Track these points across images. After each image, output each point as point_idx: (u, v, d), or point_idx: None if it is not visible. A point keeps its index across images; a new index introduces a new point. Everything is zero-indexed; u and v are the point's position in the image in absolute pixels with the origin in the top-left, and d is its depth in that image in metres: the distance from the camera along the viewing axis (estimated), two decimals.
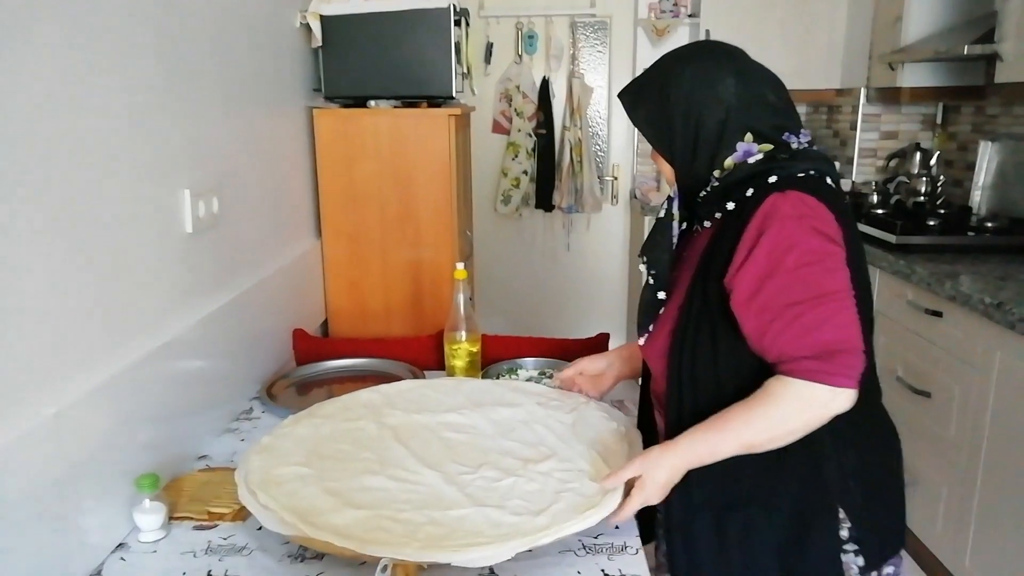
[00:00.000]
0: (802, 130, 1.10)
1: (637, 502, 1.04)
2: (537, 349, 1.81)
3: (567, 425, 1.29)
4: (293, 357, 1.93)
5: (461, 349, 1.68)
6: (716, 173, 1.08)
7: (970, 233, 2.61)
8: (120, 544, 1.10)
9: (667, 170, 1.15)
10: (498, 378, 1.69)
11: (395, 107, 2.21)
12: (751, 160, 1.05)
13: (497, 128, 3.84)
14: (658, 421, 1.26)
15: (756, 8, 3.38)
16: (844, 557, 1.08)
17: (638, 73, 1.19)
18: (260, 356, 1.75)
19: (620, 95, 1.16)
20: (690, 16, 3.53)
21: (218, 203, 1.51)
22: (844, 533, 1.07)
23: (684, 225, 1.19)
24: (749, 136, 1.05)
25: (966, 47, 2.39)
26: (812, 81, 3.45)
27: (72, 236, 1.04)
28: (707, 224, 1.13)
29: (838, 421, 1.02)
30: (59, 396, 0.99)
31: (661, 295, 1.15)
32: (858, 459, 1.09)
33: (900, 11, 2.88)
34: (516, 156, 3.79)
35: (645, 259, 1.18)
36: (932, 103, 3.21)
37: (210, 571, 1.04)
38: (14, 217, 0.92)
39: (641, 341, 1.20)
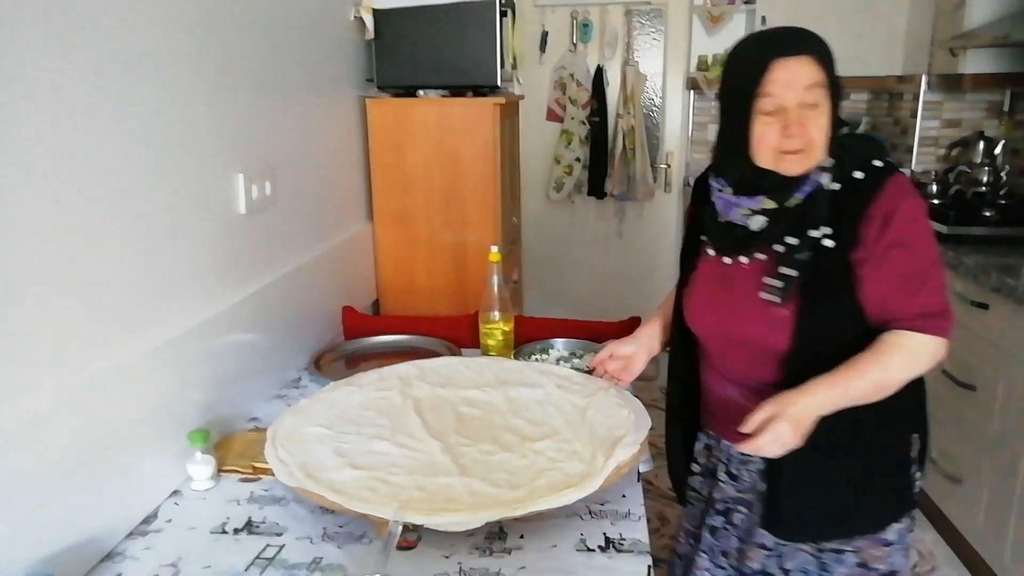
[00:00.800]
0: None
1: (776, 448, 1.10)
2: (569, 331, 1.88)
3: (579, 408, 1.36)
4: (342, 332, 2.05)
5: (495, 329, 1.76)
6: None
7: None
8: (175, 491, 1.23)
9: (823, 141, 1.14)
10: (529, 358, 1.77)
11: (443, 96, 2.30)
12: (844, 132, 1.18)
13: (551, 116, 3.89)
14: (725, 391, 1.32)
15: None
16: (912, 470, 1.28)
17: (782, 28, 1.21)
18: (310, 330, 1.87)
19: (814, 50, 1.15)
20: (746, 3, 3.50)
21: (271, 186, 1.63)
22: (914, 452, 1.27)
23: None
24: None
25: None
26: (872, 68, 3.37)
27: (135, 212, 1.17)
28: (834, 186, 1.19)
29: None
30: (123, 354, 1.12)
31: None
32: (922, 384, 1.25)
33: None
34: (569, 143, 3.84)
35: (825, 225, 1.17)
36: (998, 90, 3.11)
37: (250, 517, 1.16)
38: (87, 194, 1.05)
39: (776, 299, 1.19)
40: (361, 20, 2.21)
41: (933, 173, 3.15)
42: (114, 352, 1.11)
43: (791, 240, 1.18)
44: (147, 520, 1.15)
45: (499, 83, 2.25)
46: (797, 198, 1.17)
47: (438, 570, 1.02)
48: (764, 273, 1.20)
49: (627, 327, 1.90)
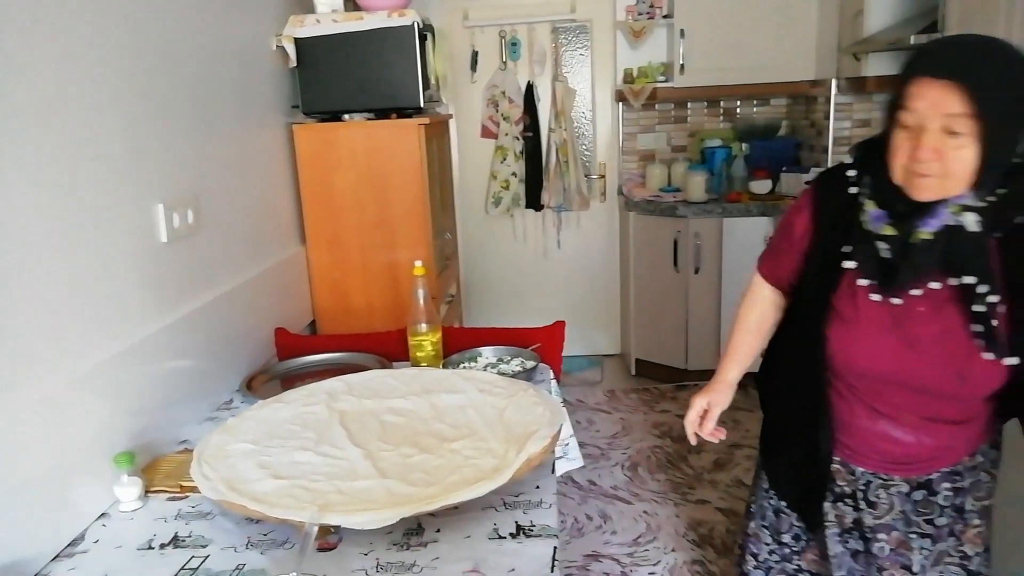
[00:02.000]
0: None
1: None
2: (496, 338, 1.95)
3: (498, 409, 1.43)
4: (276, 354, 2.09)
5: (424, 340, 1.83)
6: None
7: None
8: (103, 514, 1.27)
9: (967, 174, 1.04)
10: (458, 366, 1.84)
11: (368, 119, 2.37)
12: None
13: (486, 133, 3.99)
14: (876, 425, 1.27)
15: (728, 7, 3.48)
16: None
17: (953, 49, 1.07)
18: (243, 353, 1.91)
19: (974, 82, 1.00)
20: (665, 17, 3.64)
21: (193, 215, 1.67)
22: None
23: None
24: None
25: (912, 37, 2.48)
26: (788, 74, 3.55)
27: (56, 243, 1.21)
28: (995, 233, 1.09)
29: None
30: (48, 383, 1.16)
31: (998, 304, 1.10)
32: None
33: (861, 4, 2.97)
34: (504, 159, 3.93)
35: (968, 273, 1.09)
36: None
37: (176, 532, 1.20)
38: (5, 224, 1.09)
39: (1013, 361, 1.11)
40: (283, 49, 2.27)
41: None
42: (39, 380, 1.15)
43: (968, 280, 1.10)
44: (74, 542, 1.18)
45: (422, 104, 2.33)
46: (924, 232, 1.08)
47: (357, 567, 1.08)
48: (950, 314, 1.12)
49: (553, 332, 1.98)
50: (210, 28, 1.82)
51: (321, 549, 1.13)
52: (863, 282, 1.17)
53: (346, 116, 2.36)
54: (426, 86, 2.35)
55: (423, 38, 2.33)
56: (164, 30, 1.59)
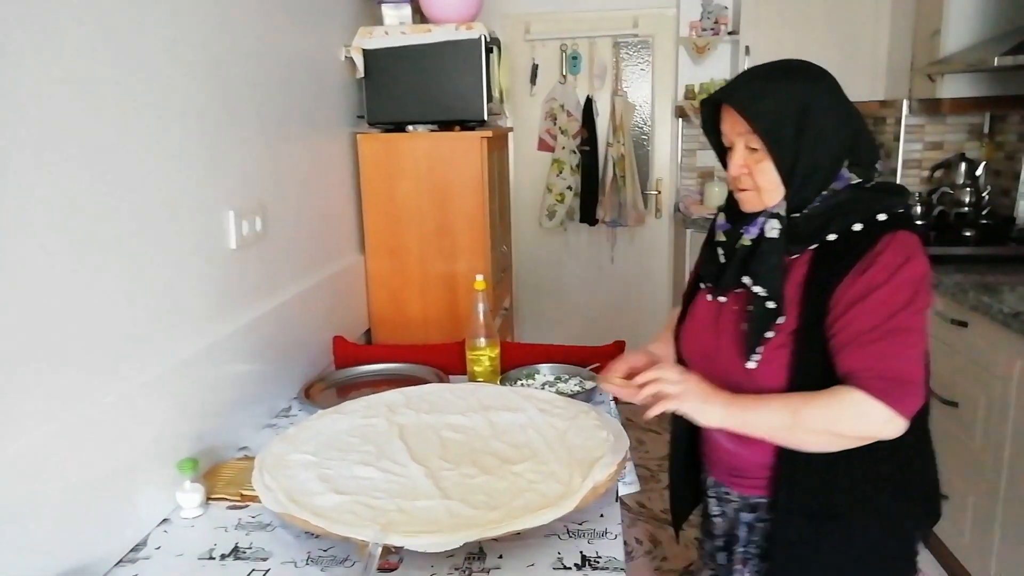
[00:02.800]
0: (879, 161, 1.19)
1: (670, 404, 1.11)
2: (555, 356, 1.92)
3: (559, 431, 1.39)
4: (332, 362, 2.10)
5: (482, 355, 1.80)
6: (818, 197, 1.14)
7: (1011, 243, 2.58)
8: (164, 519, 1.27)
9: (772, 185, 1.13)
10: (516, 383, 1.81)
11: (431, 131, 2.37)
12: (839, 187, 1.13)
13: (542, 146, 3.97)
14: (716, 437, 1.28)
15: (795, 24, 3.41)
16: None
17: (736, 77, 1.18)
18: (301, 360, 1.92)
19: (735, 101, 1.12)
20: (730, 33, 3.59)
21: (261, 222, 1.68)
22: (916, 518, 1.22)
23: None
24: (846, 161, 1.14)
25: (996, 58, 2.38)
26: (855, 93, 3.35)
27: (128, 249, 1.22)
28: (799, 250, 1.14)
29: (922, 421, 1.17)
30: (116, 388, 1.17)
31: (781, 319, 1.13)
32: (930, 447, 1.23)
33: (939, 24, 2.87)
34: (561, 172, 3.91)
35: (753, 281, 1.14)
36: (976, 113, 3.18)
37: (237, 543, 1.19)
38: (81, 231, 1.10)
39: (752, 365, 1.15)
40: (351, 60, 2.29)
41: (917, 195, 3.20)
42: (107, 385, 1.16)
43: (749, 283, 1.15)
44: (136, 548, 1.19)
45: (485, 117, 2.32)
46: (745, 239, 1.17)
47: None
48: (741, 316, 1.18)
49: (612, 352, 1.94)
50: (282, 37, 1.84)
51: (381, 570, 1.11)
52: (702, 284, 1.29)
53: (410, 127, 2.37)
54: (490, 99, 2.34)
55: (488, 51, 2.32)
56: (238, 38, 1.61)
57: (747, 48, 3.46)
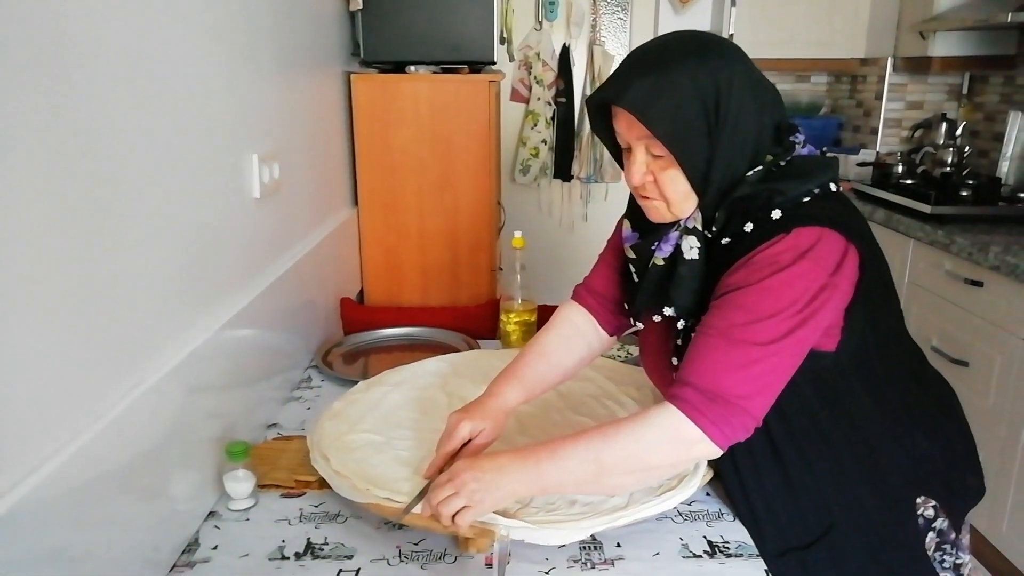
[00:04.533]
0: (798, 133, 0.99)
1: (469, 516, 0.91)
2: None
3: (637, 400, 1.29)
4: (340, 326, 1.91)
5: (517, 317, 1.67)
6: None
7: (1001, 203, 2.62)
8: (211, 512, 1.09)
9: (682, 196, 0.95)
10: None
11: (434, 72, 2.17)
12: (749, 174, 0.93)
13: (516, 96, 3.78)
14: None
15: None
16: (928, 536, 1.07)
17: (622, 66, 0.95)
18: (311, 325, 1.73)
19: (627, 102, 0.90)
20: None
21: (280, 169, 1.48)
22: (930, 512, 1.06)
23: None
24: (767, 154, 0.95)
25: (1010, 15, 2.37)
26: (836, 51, 3.41)
27: (157, 210, 1.01)
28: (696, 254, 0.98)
29: (896, 413, 1.02)
30: (146, 373, 0.96)
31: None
32: (928, 438, 1.05)
33: None
34: (535, 125, 3.74)
35: (676, 312, 0.99)
36: (959, 73, 3.20)
37: (309, 538, 1.03)
38: (104, 196, 0.89)
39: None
40: None
41: (899, 154, 3.21)
42: (136, 370, 0.94)
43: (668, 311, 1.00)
44: (189, 549, 1.01)
45: (495, 59, 2.14)
46: (658, 258, 0.99)
47: None
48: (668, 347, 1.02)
49: None
50: None
51: (488, 564, 0.97)
52: (626, 305, 1.11)
53: (411, 68, 2.16)
54: (500, 40, 2.15)
55: None
56: None
57: (733, 0, 3.36)
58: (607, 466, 0.90)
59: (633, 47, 3.67)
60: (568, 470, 0.90)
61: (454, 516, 0.90)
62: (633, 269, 1.07)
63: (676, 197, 0.95)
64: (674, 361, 1.01)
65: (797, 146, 0.96)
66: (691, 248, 0.96)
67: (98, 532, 0.82)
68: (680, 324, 0.99)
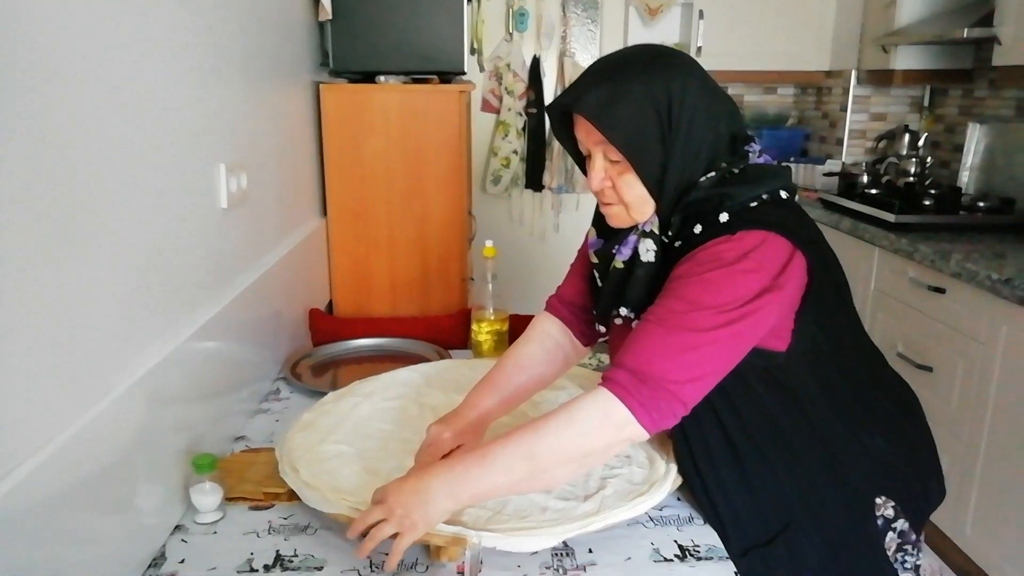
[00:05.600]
0: (754, 141, 1.03)
1: (404, 542, 0.90)
2: None
3: None
4: (309, 338, 1.90)
5: (489, 327, 1.67)
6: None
7: (962, 212, 2.68)
8: (178, 526, 1.07)
9: (639, 200, 0.98)
10: None
11: (404, 83, 2.17)
12: (702, 179, 0.96)
13: (487, 107, 3.80)
14: None
15: None
16: (888, 536, 1.08)
17: (582, 75, 0.98)
18: (279, 336, 1.71)
19: (583, 108, 0.93)
20: None
21: (247, 178, 1.46)
22: (890, 512, 1.07)
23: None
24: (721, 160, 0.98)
25: (966, 30, 2.43)
26: (802, 63, 3.49)
27: (120, 213, 1.00)
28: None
29: (853, 412, 1.03)
30: (110, 384, 0.94)
31: None
32: (886, 439, 1.08)
33: None
34: (506, 135, 3.76)
35: (631, 312, 1.03)
36: (920, 86, 3.28)
37: (278, 550, 1.02)
38: (59, 203, 0.88)
39: None
40: None
41: (863, 164, 3.28)
42: (110, 377, 0.94)
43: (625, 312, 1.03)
44: (155, 563, 0.99)
45: (466, 69, 2.15)
46: (618, 261, 1.02)
47: None
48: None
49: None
50: None
51: (460, 573, 0.97)
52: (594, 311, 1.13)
53: (381, 78, 2.15)
54: (471, 50, 2.16)
55: None
56: None
57: (700, 12, 3.41)
58: (541, 459, 0.90)
59: None
60: (501, 471, 0.90)
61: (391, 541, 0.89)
62: (596, 274, 1.09)
63: (634, 201, 0.98)
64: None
65: (752, 155, 1.00)
66: (647, 251, 0.99)
67: (61, 548, 0.80)
68: (634, 325, 1.00)
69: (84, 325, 0.88)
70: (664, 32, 3.67)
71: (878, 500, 1.06)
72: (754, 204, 0.95)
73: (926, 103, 3.29)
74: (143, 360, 1.02)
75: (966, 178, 2.94)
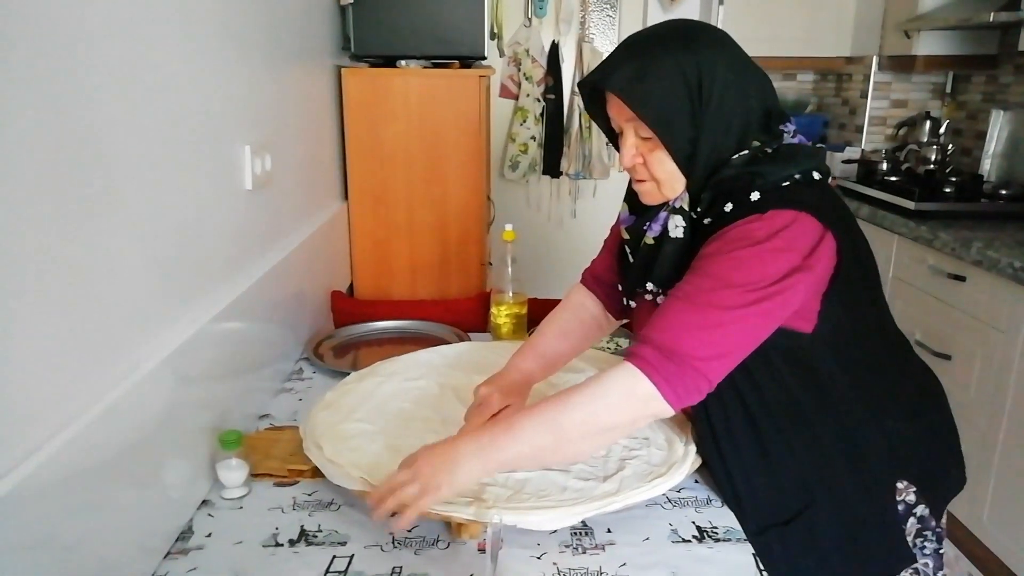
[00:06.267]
0: (789, 121, 1.02)
1: (425, 502, 0.90)
2: None
3: None
4: (331, 319, 1.92)
5: (508, 310, 1.68)
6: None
7: (983, 200, 2.66)
8: (204, 501, 1.10)
9: (670, 176, 0.99)
10: None
11: (424, 67, 2.18)
12: (735, 157, 0.96)
13: (505, 92, 3.79)
14: None
15: None
16: (909, 520, 1.09)
17: (613, 52, 0.99)
18: (302, 317, 1.73)
19: (614, 85, 0.95)
20: None
21: (271, 160, 1.48)
22: (911, 497, 1.08)
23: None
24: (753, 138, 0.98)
25: (992, 15, 2.40)
26: (821, 49, 3.45)
27: (147, 193, 1.01)
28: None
29: (876, 397, 1.04)
30: (139, 361, 0.96)
31: None
32: (909, 424, 1.08)
33: None
34: (524, 121, 3.75)
35: (656, 287, 1.05)
36: (943, 72, 3.24)
37: (303, 525, 1.04)
38: (92, 180, 0.89)
39: None
40: None
41: (883, 151, 3.25)
42: (127, 357, 0.95)
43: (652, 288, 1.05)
44: (183, 536, 1.01)
45: (486, 54, 2.15)
46: (648, 238, 1.04)
47: (535, 572, 0.94)
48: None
49: None
50: None
51: (480, 550, 0.99)
52: (619, 287, 1.16)
53: (401, 62, 2.16)
54: (491, 35, 2.16)
55: None
56: None
57: None
58: (565, 431, 0.91)
59: None
60: (525, 440, 0.92)
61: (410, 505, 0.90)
62: (628, 250, 1.11)
63: (664, 178, 0.99)
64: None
65: (787, 135, 0.99)
66: (676, 227, 1.00)
67: (91, 519, 0.83)
68: (660, 300, 1.01)
69: (112, 304, 0.90)
70: (683, 16, 3.64)
71: (899, 485, 1.07)
72: (786, 184, 0.95)
73: (948, 89, 3.25)
74: (171, 338, 1.04)
75: (988, 165, 2.91)
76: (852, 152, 3.35)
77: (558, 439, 0.91)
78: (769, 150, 0.96)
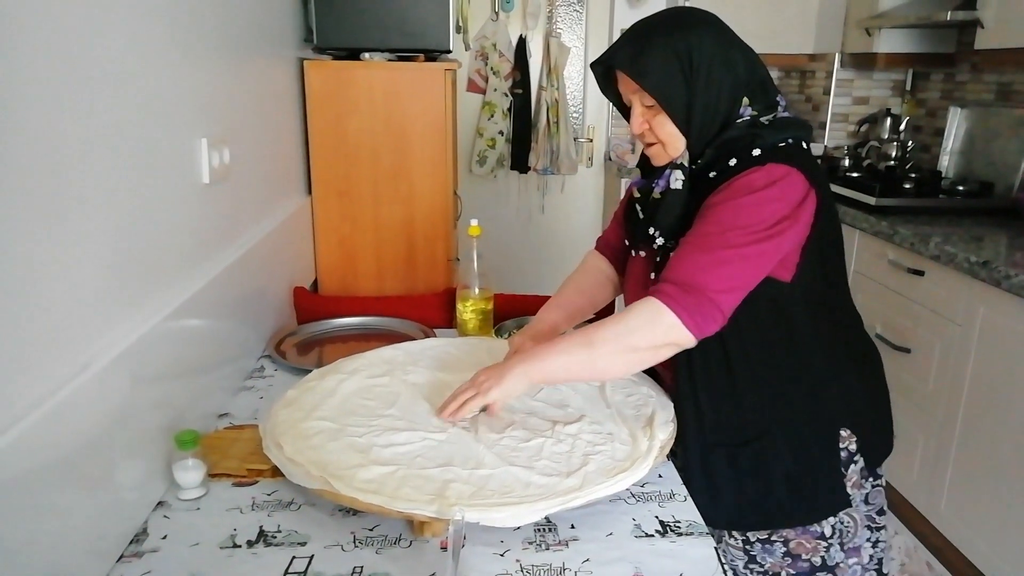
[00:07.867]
0: (780, 96, 1.18)
1: (477, 403, 1.11)
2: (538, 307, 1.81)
3: (594, 387, 1.30)
4: (293, 316, 1.89)
5: (475, 307, 1.67)
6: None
7: (942, 196, 2.71)
8: (160, 502, 1.07)
9: (672, 137, 1.15)
10: (510, 335, 1.69)
11: (389, 60, 2.15)
12: (738, 121, 1.12)
13: (472, 87, 3.78)
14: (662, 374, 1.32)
15: None
16: (850, 468, 1.20)
17: (619, 38, 1.17)
18: (263, 314, 1.70)
19: (618, 62, 1.13)
20: None
21: (229, 154, 1.45)
22: (853, 447, 1.20)
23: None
24: (746, 100, 1.13)
25: (949, 13, 2.45)
26: (785, 46, 3.49)
27: (105, 184, 0.98)
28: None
29: (835, 349, 1.19)
30: (90, 359, 0.93)
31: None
32: (858, 380, 1.23)
33: None
34: (492, 116, 3.74)
35: (657, 232, 1.18)
36: (903, 69, 3.29)
37: (261, 526, 1.02)
38: (38, 176, 0.86)
39: None
40: None
41: (845, 148, 3.30)
42: (83, 351, 0.93)
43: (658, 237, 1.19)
44: (137, 539, 0.99)
45: (451, 47, 2.13)
46: (656, 193, 1.19)
47: (498, 570, 0.94)
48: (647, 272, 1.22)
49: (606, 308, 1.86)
50: None
51: (443, 548, 0.98)
52: (627, 242, 1.33)
53: (365, 55, 2.13)
54: (457, 28, 2.14)
55: None
56: None
57: None
58: (597, 345, 1.08)
59: (589, 39, 3.71)
60: (565, 352, 1.10)
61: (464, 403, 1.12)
62: (639, 208, 1.25)
63: (667, 139, 1.15)
64: (652, 276, 1.18)
65: (780, 108, 1.16)
66: (676, 180, 1.15)
67: (39, 521, 0.80)
68: (660, 242, 1.17)
69: (60, 300, 0.87)
70: (649, 12, 3.65)
71: (843, 432, 1.19)
72: (782, 145, 1.11)
73: (908, 87, 3.31)
74: (123, 336, 1.01)
75: (946, 162, 2.97)
76: (815, 148, 3.40)
77: (590, 353, 1.08)
78: (766, 121, 1.12)
